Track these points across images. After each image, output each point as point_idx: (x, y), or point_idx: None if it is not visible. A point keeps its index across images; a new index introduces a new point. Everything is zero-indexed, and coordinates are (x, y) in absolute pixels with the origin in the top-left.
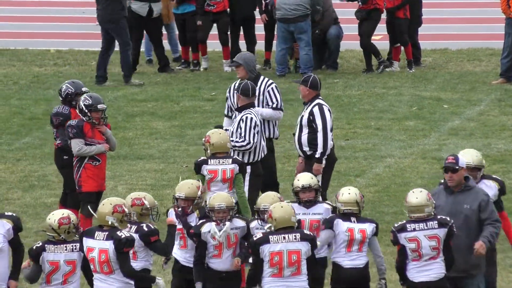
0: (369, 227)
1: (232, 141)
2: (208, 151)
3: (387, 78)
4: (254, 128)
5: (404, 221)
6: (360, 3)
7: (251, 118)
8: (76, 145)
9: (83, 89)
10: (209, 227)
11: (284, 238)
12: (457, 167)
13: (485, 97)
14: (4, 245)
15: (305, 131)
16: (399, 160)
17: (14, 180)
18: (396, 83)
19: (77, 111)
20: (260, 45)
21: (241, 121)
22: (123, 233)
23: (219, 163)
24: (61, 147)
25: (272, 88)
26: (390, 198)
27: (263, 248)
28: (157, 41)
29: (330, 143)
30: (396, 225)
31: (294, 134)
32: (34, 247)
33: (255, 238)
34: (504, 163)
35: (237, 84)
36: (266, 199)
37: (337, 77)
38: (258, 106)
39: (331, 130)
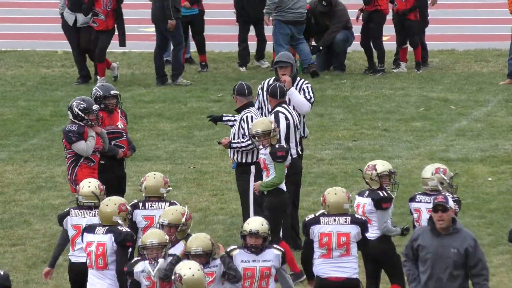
0: (367, 201)
1: (236, 142)
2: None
3: (394, 79)
4: None
5: (416, 193)
6: (364, 3)
7: (252, 117)
8: (82, 146)
9: (112, 92)
10: (142, 266)
11: (335, 220)
12: (447, 206)
13: (492, 98)
14: None
15: None
16: (406, 161)
17: (22, 181)
18: (404, 84)
19: (71, 117)
20: (268, 46)
21: (242, 121)
22: (124, 228)
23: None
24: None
25: (307, 86)
26: (397, 199)
27: (313, 228)
28: (83, 51)
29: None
30: (411, 196)
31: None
32: (62, 212)
33: (306, 219)
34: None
35: (266, 83)
36: (196, 241)
37: (345, 77)
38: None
39: (287, 139)
